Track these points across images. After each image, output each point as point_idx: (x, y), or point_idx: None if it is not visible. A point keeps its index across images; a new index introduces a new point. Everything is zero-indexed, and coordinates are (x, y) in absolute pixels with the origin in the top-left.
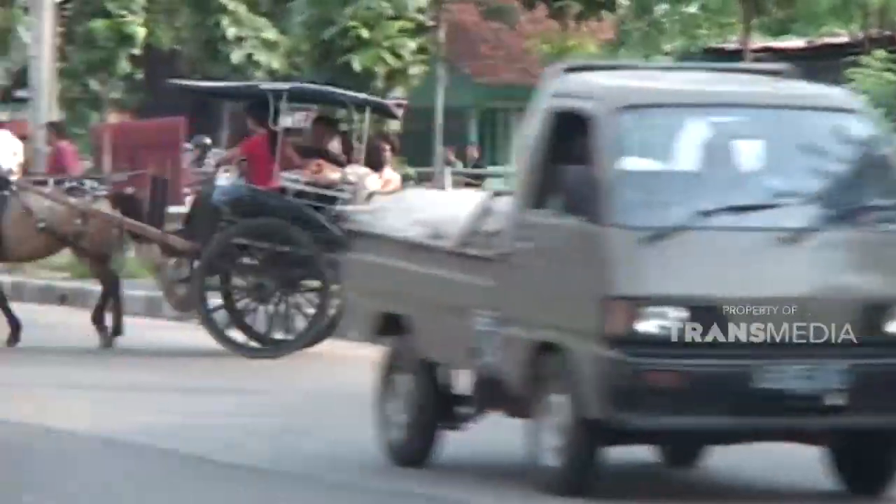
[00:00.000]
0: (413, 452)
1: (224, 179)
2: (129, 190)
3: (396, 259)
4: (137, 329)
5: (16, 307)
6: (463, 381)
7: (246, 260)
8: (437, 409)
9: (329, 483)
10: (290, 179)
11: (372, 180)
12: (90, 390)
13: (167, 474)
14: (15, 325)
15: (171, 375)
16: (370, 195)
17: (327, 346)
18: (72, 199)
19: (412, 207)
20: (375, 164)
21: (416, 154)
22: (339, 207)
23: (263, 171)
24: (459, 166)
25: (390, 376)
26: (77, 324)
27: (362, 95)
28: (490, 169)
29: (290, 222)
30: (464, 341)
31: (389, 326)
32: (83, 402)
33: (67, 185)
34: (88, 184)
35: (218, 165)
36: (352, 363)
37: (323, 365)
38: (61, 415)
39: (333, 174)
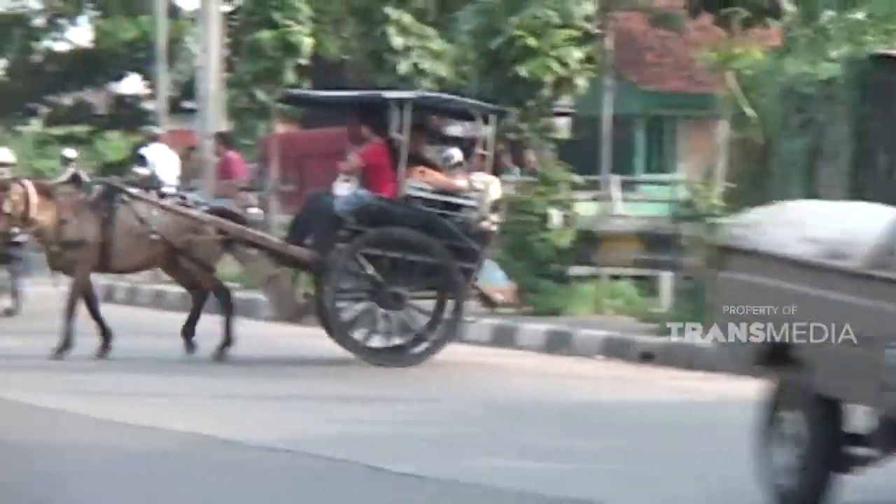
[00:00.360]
0: (804, 499)
1: (343, 189)
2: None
3: (785, 281)
4: (284, 339)
5: (155, 316)
6: (860, 419)
7: (370, 270)
8: (833, 451)
9: (505, 492)
10: (416, 187)
11: (496, 188)
12: (252, 400)
13: (335, 483)
14: (107, 335)
15: (330, 384)
16: (495, 203)
17: (467, 351)
18: (193, 211)
19: (799, 221)
20: (496, 171)
21: (582, 163)
22: (464, 215)
23: (384, 179)
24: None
25: (776, 414)
26: (241, 333)
27: (489, 105)
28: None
29: (419, 231)
30: (873, 375)
31: (775, 357)
32: (247, 411)
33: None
34: (191, 196)
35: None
36: (510, 370)
37: (481, 373)
38: (227, 424)
39: (460, 181)
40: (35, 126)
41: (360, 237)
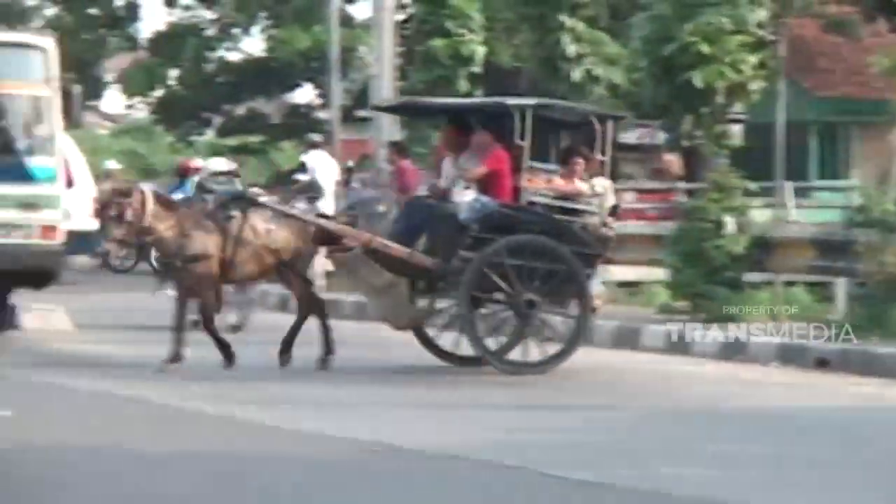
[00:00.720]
0: None
1: (465, 196)
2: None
3: None
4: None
5: (360, 327)
6: None
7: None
8: None
9: (685, 499)
10: (538, 193)
11: (611, 193)
12: (421, 407)
13: (515, 491)
14: (228, 352)
15: (501, 391)
16: (613, 208)
17: (642, 359)
18: (322, 220)
19: None
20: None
21: (756, 169)
22: (584, 220)
23: (504, 186)
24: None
25: None
26: (399, 341)
27: (607, 112)
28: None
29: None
30: None
31: None
32: (417, 418)
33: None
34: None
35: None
36: (685, 378)
37: (656, 380)
38: (399, 432)
39: (581, 185)
40: (209, 136)
41: (497, 244)
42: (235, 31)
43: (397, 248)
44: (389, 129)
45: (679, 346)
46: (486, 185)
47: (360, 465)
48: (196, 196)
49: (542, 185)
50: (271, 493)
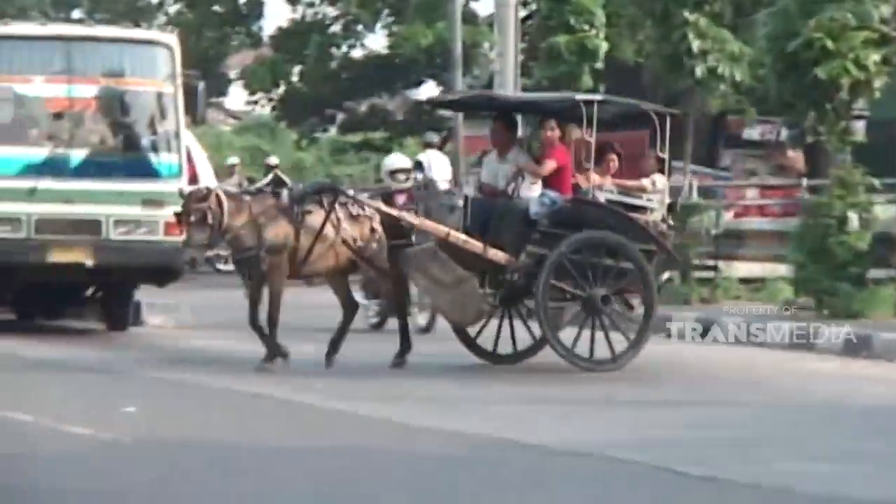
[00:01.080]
0: None
1: (527, 190)
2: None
3: None
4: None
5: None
6: None
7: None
8: None
9: (809, 496)
10: (602, 189)
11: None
12: (542, 403)
13: (638, 487)
14: (274, 353)
15: (624, 387)
16: (671, 204)
17: (766, 355)
18: (405, 214)
19: None
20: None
21: (879, 166)
22: (646, 217)
23: (568, 181)
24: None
25: None
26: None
27: (664, 108)
28: None
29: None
30: None
31: None
32: (540, 414)
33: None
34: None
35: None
36: (809, 374)
37: (780, 376)
38: (524, 428)
39: (645, 182)
40: (332, 133)
41: (571, 239)
42: (358, 27)
43: (473, 243)
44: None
45: (803, 343)
46: (549, 180)
47: (484, 462)
48: (271, 189)
49: (607, 181)
50: (399, 490)
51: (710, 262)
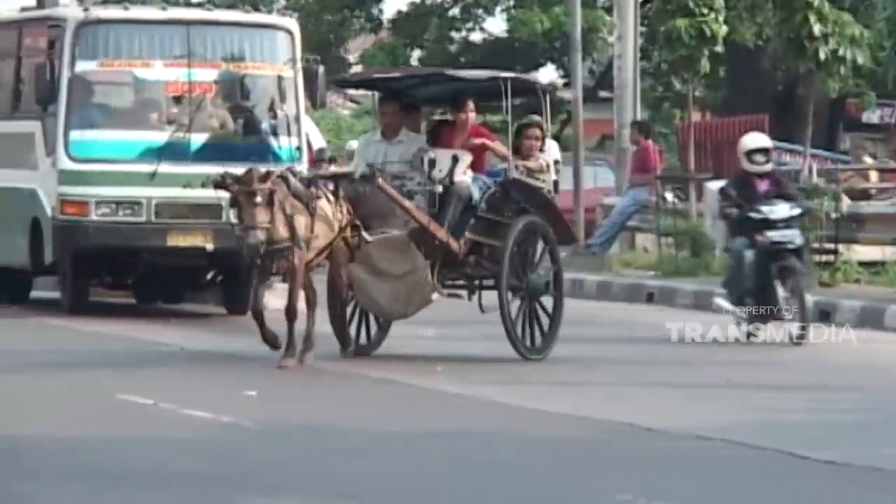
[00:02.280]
0: None
1: (461, 175)
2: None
3: None
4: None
5: (602, 306)
6: None
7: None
8: None
9: None
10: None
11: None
12: (666, 387)
13: (761, 471)
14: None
15: (745, 371)
16: (555, 183)
17: (885, 338)
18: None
19: None
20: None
21: None
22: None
23: (483, 163)
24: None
25: None
26: (653, 322)
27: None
28: None
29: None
30: None
31: None
32: (663, 399)
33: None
34: None
35: None
36: None
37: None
38: (646, 412)
39: (541, 162)
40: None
41: (518, 226)
42: (478, 11)
43: (443, 231)
44: (632, 109)
45: None
46: (473, 163)
47: (608, 446)
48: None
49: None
50: (522, 474)
51: (830, 246)
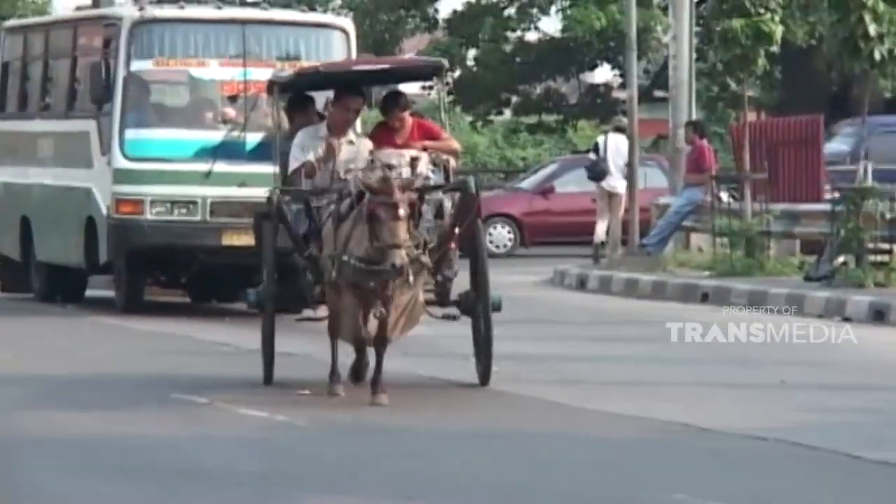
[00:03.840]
0: None
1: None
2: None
3: None
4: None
5: (657, 306)
6: None
7: None
8: None
9: None
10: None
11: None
12: (722, 387)
13: (816, 471)
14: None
15: (795, 369)
16: None
17: None
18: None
19: None
20: None
21: None
22: None
23: None
24: None
25: None
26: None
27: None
28: None
29: None
30: None
31: None
32: (720, 398)
33: None
34: None
35: None
36: None
37: None
38: (704, 412)
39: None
40: (506, 116)
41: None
42: (533, 10)
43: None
44: (687, 109)
45: None
46: None
47: (663, 446)
48: None
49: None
50: (578, 474)
51: (885, 246)
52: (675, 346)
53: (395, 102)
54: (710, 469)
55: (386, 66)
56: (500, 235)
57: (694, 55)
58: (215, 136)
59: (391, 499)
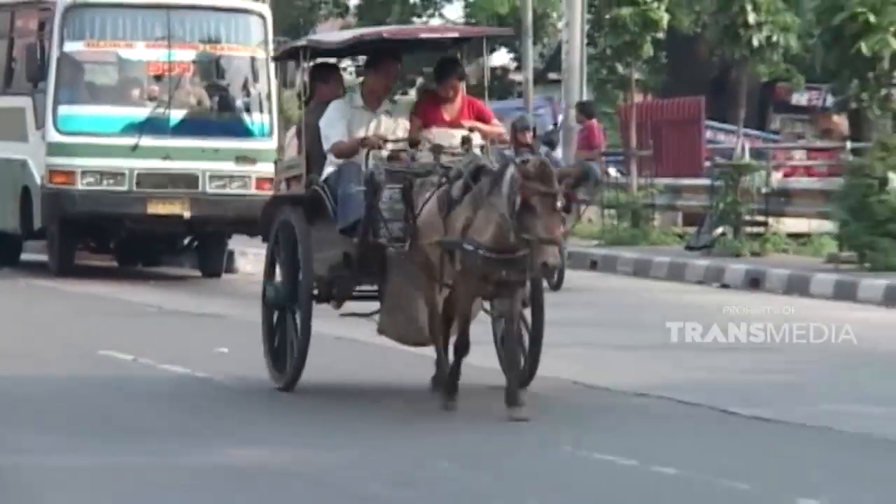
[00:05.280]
0: None
1: None
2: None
3: None
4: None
5: None
6: None
7: None
8: None
9: (848, 435)
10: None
11: None
12: (613, 349)
13: (693, 425)
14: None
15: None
16: None
17: (809, 304)
18: None
19: None
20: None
21: None
22: None
23: None
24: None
25: None
26: (603, 287)
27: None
28: None
29: None
30: None
31: None
32: (610, 359)
33: None
34: None
35: None
36: (849, 323)
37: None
38: (592, 371)
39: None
40: (411, 95)
41: None
42: None
43: None
44: (578, 90)
45: (845, 293)
46: None
47: (552, 401)
48: None
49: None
50: (479, 426)
51: (761, 219)
52: (572, 310)
53: (452, 69)
54: (598, 424)
55: (455, 34)
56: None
57: (585, 41)
58: (141, 112)
59: (297, 448)
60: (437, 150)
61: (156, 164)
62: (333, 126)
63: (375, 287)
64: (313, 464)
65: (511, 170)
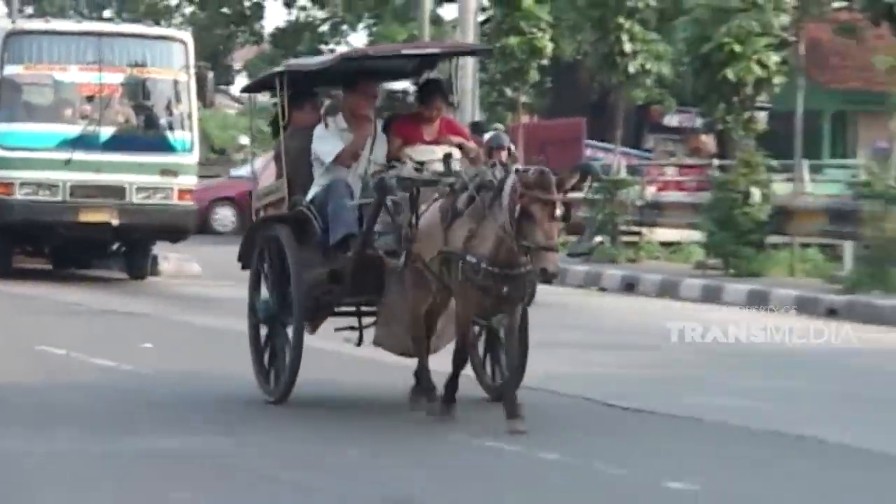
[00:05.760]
0: None
1: None
2: None
3: None
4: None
5: None
6: None
7: None
8: None
9: (713, 424)
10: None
11: None
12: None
13: (577, 417)
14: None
15: (570, 333)
16: None
17: (679, 307)
18: None
19: None
20: None
21: (778, 149)
22: None
23: None
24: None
25: None
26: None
27: None
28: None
29: None
30: None
31: None
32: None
33: None
34: None
35: None
36: (717, 323)
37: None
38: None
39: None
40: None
41: None
42: (343, 27)
43: None
44: (471, 112)
45: (712, 297)
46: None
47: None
48: None
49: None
50: (385, 424)
51: (635, 229)
52: None
53: (437, 90)
54: (488, 415)
55: (436, 50)
56: (223, 217)
57: (477, 66)
58: (75, 129)
59: (218, 436)
60: (419, 167)
61: (87, 176)
62: (329, 142)
63: (354, 307)
64: (226, 449)
65: (511, 179)
